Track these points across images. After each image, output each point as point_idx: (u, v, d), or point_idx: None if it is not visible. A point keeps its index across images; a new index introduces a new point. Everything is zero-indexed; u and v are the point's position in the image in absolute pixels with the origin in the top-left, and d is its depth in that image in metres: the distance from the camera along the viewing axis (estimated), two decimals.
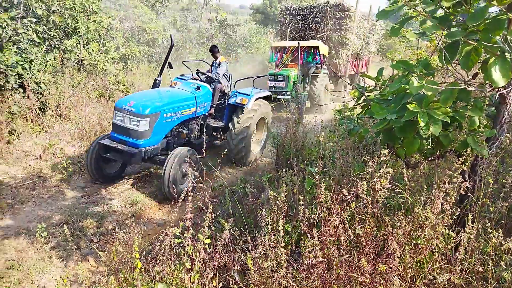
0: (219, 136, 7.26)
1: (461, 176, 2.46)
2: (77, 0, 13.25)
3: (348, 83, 14.35)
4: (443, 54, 2.24)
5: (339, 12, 13.41)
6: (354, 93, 3.29)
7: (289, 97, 11.16)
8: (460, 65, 2.24)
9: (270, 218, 2.88)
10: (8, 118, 7.12)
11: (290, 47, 12.40)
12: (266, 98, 7.65)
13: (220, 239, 2.40)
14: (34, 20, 7.02)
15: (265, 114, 7.48)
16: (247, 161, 7.10)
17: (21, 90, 7.80)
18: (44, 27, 7.15)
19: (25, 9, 7.10)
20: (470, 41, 2.16)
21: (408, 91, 2.61)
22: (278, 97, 11.23)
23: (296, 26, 14.60)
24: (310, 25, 14.20)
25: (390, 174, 2.40)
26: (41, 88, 8.35)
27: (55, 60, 10.90)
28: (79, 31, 12.99)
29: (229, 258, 2.79)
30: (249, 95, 6.96)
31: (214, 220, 2.79)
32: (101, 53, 12.80)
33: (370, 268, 2.36)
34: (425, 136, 2.56)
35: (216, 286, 2.43)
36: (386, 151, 2.45)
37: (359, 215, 2.71)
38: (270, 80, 12.01)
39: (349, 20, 13.39)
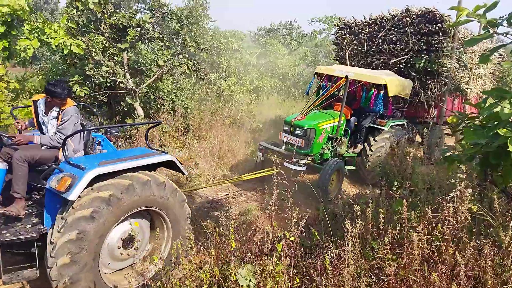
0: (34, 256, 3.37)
1: None
2: (223, 40, 15.54)
3: (447, 134, 10.38)
4: None
5: (427, 25, 8.54)
6: (452, 119, 3.31)
7: (303, 168, 6.87)
8: None
9: (355, 230, 3.12)
10: (160, 135, 8.87)
11: (341, 78, 7.63)
12: (167, 164, 4.24)
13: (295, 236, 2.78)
14: (187, 56, 8.70)
15: (153, 202, 3.76)
16: None
17: (172, 112, 9.60)
18: (194, 61, 8.78)
19: (182, 47, 8.86)
20: None
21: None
22: (286, 164, 6.74)
23: (360, 49, 9.91)
24: (381, 47, 9.45)
25: (469, 195, 2.44)
26: (187, 112, 10.10)
27: (201, 90, 12.97)
28: (222, 66, 15.16)
29: (312, 260, 3.12)
30: (83, 169, 3.34)
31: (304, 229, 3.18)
32: (238, 85, 14.57)
33: (442, 285, 2.40)
34: None
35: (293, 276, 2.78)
36: (461, 176, 2.50)
37: (442, 236, 2.74)
38: (284, 132, 7.37)
39: (443, 36, 8.54)
